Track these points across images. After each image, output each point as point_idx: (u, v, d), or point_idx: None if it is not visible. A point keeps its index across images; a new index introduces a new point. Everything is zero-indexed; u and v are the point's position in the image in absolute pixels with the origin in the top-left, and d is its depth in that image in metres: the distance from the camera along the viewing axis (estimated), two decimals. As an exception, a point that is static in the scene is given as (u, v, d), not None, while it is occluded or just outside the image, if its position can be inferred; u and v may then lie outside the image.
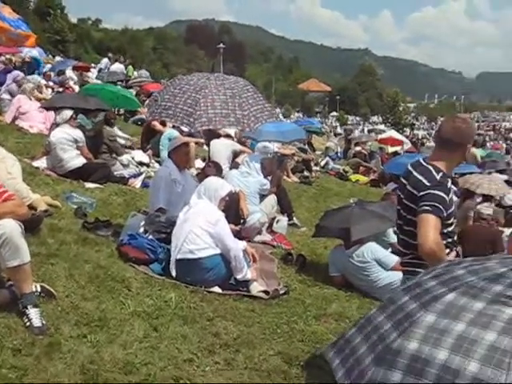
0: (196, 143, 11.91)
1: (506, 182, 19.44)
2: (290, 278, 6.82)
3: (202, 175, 7.75)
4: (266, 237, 8.22)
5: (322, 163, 17.97)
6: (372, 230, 6.74)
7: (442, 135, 3.91)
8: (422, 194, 3.61)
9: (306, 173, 14.62)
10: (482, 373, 1.58)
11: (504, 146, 49.83)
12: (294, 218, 9.47)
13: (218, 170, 7.92)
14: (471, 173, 15.73)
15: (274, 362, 4.57)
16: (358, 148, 20.88)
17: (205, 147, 12.98)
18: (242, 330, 5.08)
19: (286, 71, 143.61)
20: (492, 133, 72.88)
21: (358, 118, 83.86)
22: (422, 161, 3.92)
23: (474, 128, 4.30)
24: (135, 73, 27.97)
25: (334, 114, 79.94)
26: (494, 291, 1.83)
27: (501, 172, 21.32)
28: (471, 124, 4.18)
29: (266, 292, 5.99)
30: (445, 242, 3.69)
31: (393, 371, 1.73)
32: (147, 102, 11.51)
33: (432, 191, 3.59)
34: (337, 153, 22.45)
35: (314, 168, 16.53)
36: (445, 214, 3.58)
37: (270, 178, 8.68)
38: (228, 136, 12.49)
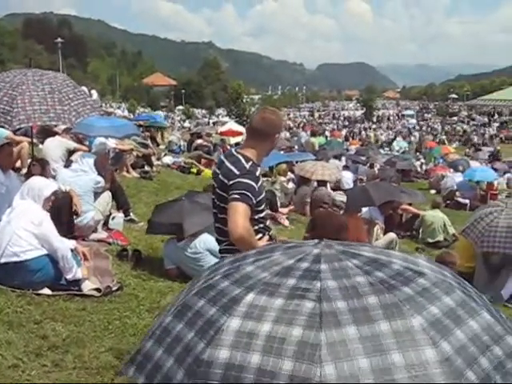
0: (29, 143, 11.43)
1: (344, 166, 20.58)
2: (125, 274, 6.79)
3: (28, 175, 7.49)
4: (101, 234, 8.11)
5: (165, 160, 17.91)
6: (204, 223, 6.77)
7: (252, 126, 4.08)
8: (231, 182, 3.73)
9: (146, 168, 14.53)
10: (297, 369, 1.59)
11: (343, 133, 52.36)
12: (131, 214, 9.41)
13: (43, 169, 7.68)
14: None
15: (104, 359, 4.58)
16: (199, 141, 21.08)
17: (40, 146, 12.53)
18: (71, 329, 5.03)
19: (130, 65, 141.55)
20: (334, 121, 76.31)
21: (204, 111, 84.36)
22: (233, 151, 4.07)
23: (282, 119, 4.50)
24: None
25: (180, 107, 79.92)
26: (288, 286, 1.81)
27: (338, 157, 22.50)
28: (280, 115, 4.39)
29: (98, 290, 5.94)
30: (257, 227, 3.87)
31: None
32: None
33: (241, 179, 3.71)
34: (180, 146, 22.50)
35: (156, 162, 16.47)
36: (254, 201, 3.73)
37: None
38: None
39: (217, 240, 4.15)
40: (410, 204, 13.90)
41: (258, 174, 3.88)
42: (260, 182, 3.89)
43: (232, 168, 3.80)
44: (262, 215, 3.96)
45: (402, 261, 2.04)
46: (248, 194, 3.67)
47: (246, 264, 2.06)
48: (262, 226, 3.96)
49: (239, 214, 3.59)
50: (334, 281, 1.84)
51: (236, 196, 3.65)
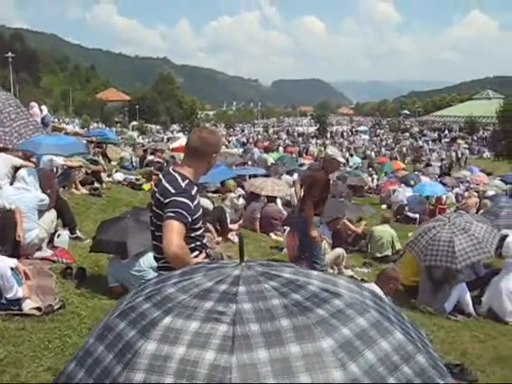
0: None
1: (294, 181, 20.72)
2: (68, 292, 6.74)
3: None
4: (46, 252, 8.00)
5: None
6: (147, 243, 6.72)
7: (189, 144, 4.10)
8: (167, 200, 3.75)
9: (96, 184, 14.39)
10: (208, 393, 1.55)
11: (297, 149, 52.68)
12: (78, 231, 9.33)
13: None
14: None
15: (42, 379, 4.55)
16: (151, 157, 21.01)
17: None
18: (9, 350, 4.97)
19: (83, 80, 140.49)
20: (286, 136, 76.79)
21: (158, 127, 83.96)
22: (170, 169, 4.10)
23: (219, 138, 4.54)
24: None
25: (134, 123, 79.38)
26: (205, 308, 1.83)
27: (290, 173, 22.68)
28: (218, 134, 4.45)
29: (38, 309, 5.88)
30: (193, 245, 3.90)
31: (123, 407, 1.62)
32: None
33: (176, 198, 3.74)
34: (132, 162, 22.31)
35: (107, 179, 16.34)
36: (190, 220, 3.76)
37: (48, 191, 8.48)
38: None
39: (154, 258, 4.17)
40: (360, 219, 14.16)
41: (194, 192, 3.91)
42: (196, 201, 3.92)
43: (168, 186, 3.83)
44: (198, 233, 3.99)
45: (320, 281, 2.08)
46: (183, 212, 3.70)
47: (168, 286, 2.09)
48: (198, 243, 3.99)
49: (173, 232, 3.62)
50: (250, 303, 1.87)
51: (171, 214, 3.67)
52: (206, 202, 11.50)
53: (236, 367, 1.65)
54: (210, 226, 9.96)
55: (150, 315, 1.90)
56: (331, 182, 10.25)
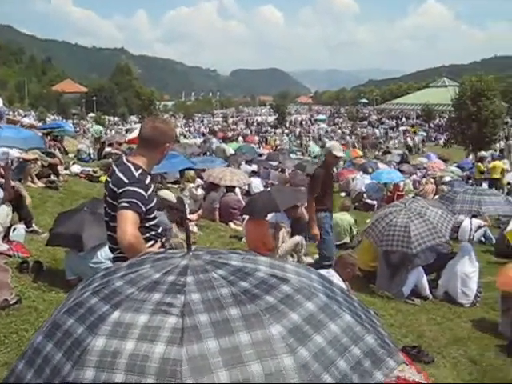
0: None
1: (252, 172, 20.78)
2: (25, 286, 6.67)
3: None
4: (1, 247, 7.87)
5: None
6: (105, 235, 6.72)
7: (142, 134, 4.07)
8: (120, 190, 3.74)
9: (53, 177, 14.16)
10: (160, 387, 1.54)
11: (256, 138, 52.69)
12: (34, 225, 9.20)
13: None
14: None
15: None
16: (108, 149, 20.76)
17: None
18: (-36, 345, 4.90)
19: (39, 72, 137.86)
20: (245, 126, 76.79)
21: (116, 119, 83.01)
22: (124, 159, 4.07)
23: (173, 128, 4.52)
24: None
25: (92, 115, 78.29)
26: (154, 301, 1.82)
27: (249, 163, 22.69)
28: (171, 124, 4.42)
29: (-6, 304, 5.80)
30: (148, 234, 3.91)
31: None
32: None
33: (130, 188, 3.73)
34: (89, 154, 22.03)
35: (64, 172, 16.08)
36: (144, 209, 3.75)
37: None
38: None
39: (110, 248, 4.15)
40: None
41: (147, 182, 3.89)
42: (150, 190, 3.91)
43: (121, 176, 3.82)
44: (153, 223, 3.99)
45: (267, 267, 2.10)
46: (137, 202, 3.69)
47: (116, 279, 2.07)
48: (153, 233, 3.99)
49: (128, 222, 3.60)
50: (199, 294, 1.88)
51: (125, 204, 3.66)
52: (168, 195, 11.40)
53: (186, 359, 1.66)
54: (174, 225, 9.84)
55: (98, 310, 1.89)
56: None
